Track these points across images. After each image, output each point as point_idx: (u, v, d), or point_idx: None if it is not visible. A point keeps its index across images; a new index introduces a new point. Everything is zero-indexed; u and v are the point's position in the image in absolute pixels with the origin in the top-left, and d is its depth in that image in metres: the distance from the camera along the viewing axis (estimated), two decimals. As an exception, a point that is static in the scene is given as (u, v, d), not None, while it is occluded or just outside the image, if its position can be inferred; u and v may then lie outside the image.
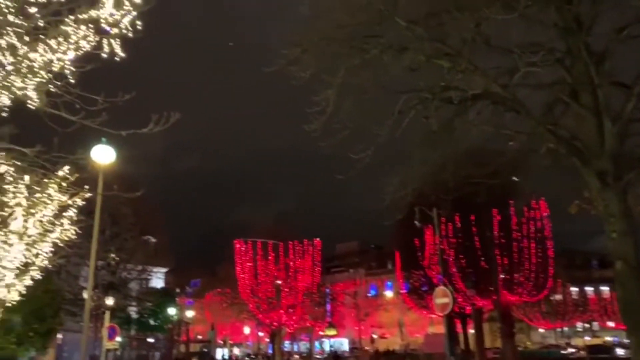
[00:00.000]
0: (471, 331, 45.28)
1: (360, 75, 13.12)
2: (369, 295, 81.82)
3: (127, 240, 42.44)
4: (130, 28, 7.72)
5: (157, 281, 57.44)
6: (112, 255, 41.06)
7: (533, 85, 13.19)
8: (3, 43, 7.15)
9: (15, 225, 17.05)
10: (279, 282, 48.74)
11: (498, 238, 36.58)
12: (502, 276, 36.71)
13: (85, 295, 29.77)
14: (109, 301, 34.15)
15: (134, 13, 7.66)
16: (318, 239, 50.53)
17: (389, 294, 72.89)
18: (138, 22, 7.68)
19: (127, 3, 7.58)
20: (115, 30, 7.65)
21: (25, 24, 7.35)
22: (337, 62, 13.07)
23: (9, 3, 7.12)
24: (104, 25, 7.61)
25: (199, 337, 75.49)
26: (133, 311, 46.88)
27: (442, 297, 22.02)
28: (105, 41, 7.74)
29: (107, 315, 28.60)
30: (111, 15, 7.59)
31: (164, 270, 59.59)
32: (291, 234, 50.60)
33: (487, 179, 14.25)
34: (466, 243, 37.34)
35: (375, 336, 72.25)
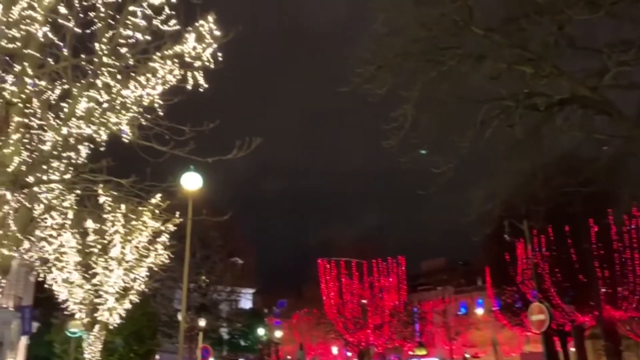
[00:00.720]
0: (572, 349, 42.44)
1: (438, 87, 12.89)
2: (459, 313, 79.11)
3: (216, 262, 43.93)
4: (211, 60, 8.10)
5: (246, 302, 58.86)
6: (203, 277, 42.62)
7: (625, 85, 12.34)
8: (99, 83, 7.72)
9: (115, 252, 18.18)
10: (365, 301, 48.32)
11: (597, 249, 34.25)
12: (603, 290, 34.23)
13: (179, 317, 31.03)
14: (202, 322, 35.38)
15: (215, 45, 8.04)
16: (402, 256, 49.75)
17: (480, 311, 70.16)
18: (219, 54, 8.05)
19: (208, 37, 7.97)
20: (198, 63, 8.06)
21: (118, 64, 7.90)
22: (413, 77, 12.93)
23: (103, 47, 7.70)
24: (187, 59, 8.04)
25: (288, 357, 76.16)
26: (224, 332, 48.24)
27: (537, 314, 20.82)
28: (189, 74, 8.16)
29: (200, 336, 29.57)
30: (194, 49, 8.00)
31: (252, 291, 61.00)
32: (375, 252, 50.17)
33: (580, 187, 13.43)
34: (561, 256, 35.24)
35: (467, 355, 69.58)
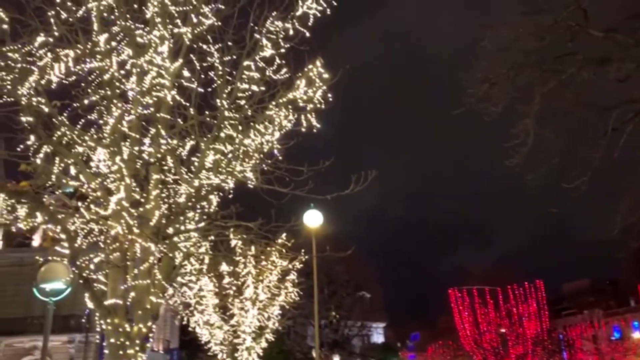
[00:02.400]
0: None
1: (559, 97, 12.13)
2: (613, 338, 71.58)
3: (344, 297, 44.08)
4: (322, 101, 8.39)
5: (378, 336, 58.15)
6: (333, 313, 42.90)
7: None
8: (223, 135, 8.29)
9: (248, 292, 19.02)
10: (504, 330, 45.55)
11: None
12: None
13: (314, 353, 31.40)
14: (336, 358, 35.46)
15: (324, 87, 8.33)
16: (540, 280, 46.47)
17: (637, 335, 63.05)
18: (329, 95, 8.32)
19: (317, 81, 8.29)
20: (310, 106, 8.39)
21: (238, 116, 8.46)
22: (530, 90, 12.31)
23: (224, 102, 8.30)
24: (300, 104, 8.41)
25: (426, 391, 73.54)
26: (359, 367, 47.86)
27: None
28: (302, 117, 8.51)
29: (336, 372, 29.55)
30: (305, 93, 8.35)
31: (383, 325, 60.19)
32: (509, 278, 47.42)
33: None
34: None
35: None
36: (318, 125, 8.54)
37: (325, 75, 8.31)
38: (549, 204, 13.20)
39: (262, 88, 8.52)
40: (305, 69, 8.40)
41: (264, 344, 20.55)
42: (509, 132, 12.51)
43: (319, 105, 8.43)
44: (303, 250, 14.55)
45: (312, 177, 8.22)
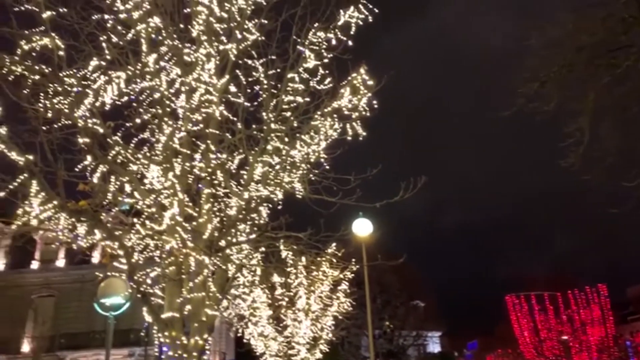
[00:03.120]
0: None
1: (615, 92, 11.64)
2: (686, 345, 67.59)
3: (397, 307, 43.53)
4: (367, 108, 8.37)
5: (434, 345, 57.05)
6: (386, 323, 42.42)
7: None
8: (270, 148, 8.39)
9: (301, 303, 19.08)
10: (565, 337, 43.79)
11: None
12: None
13: (368, 364, 31.07)
14: (392, 369, 34.95)
15: (369, 94, 8.31)
16: (603, 284, 44.48)
17: None
18: (374, 102, 8.29)
19: (362, 88, 8.29)
20: (355, 114, 8.38)
21: (284, 128, 8.55)
22: (583, 86, 11.88)
23: (270, 115, 8.42)
24: (345, 112, 8.42)
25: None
26: (415, 377, 47.07)
27: None
28: (348, 125, 8.50)
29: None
30: (350, 101, 8.35)
31: (438, 333, 59.04)
32: (569, 282, 45.64)
33: None
34: None
35: None
36: (364, 133, 8.52)
37: (370, 82, 8.30)
38: (607, 204, 12.62)
39: (307, 99, 8.59)
40: (349, 77, 8.42)
41: (318, 355, 20.53)
42: (562, 131, 12.12)
43: (364, 113, 8.42)
44: (354, 260, 14.46)
45: (359, 185, 8.20)
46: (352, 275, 19.18)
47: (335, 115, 8.47)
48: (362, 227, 16.41)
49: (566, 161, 11.96)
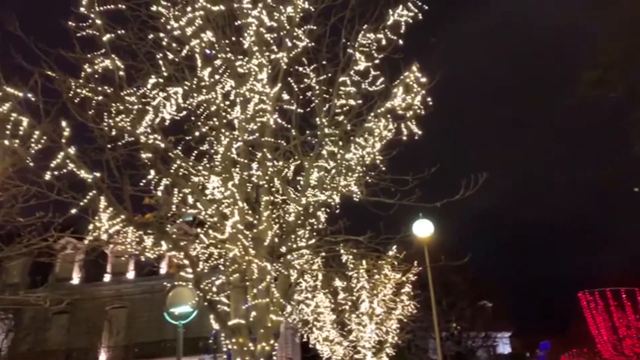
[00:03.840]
0: None
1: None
2: None
3: (464, 308, 42.52)
4: (422, 106, 8.24)
5: (504, 347, 55.30)
6: (453, 324, 41.54)
7: None
8: (325, 152, 8.42)
9: (364, 307, 18.98)
10: (646, 334, 41.34)
11: None
12: None
13: (437, 367, 30.46)
14: (461, 372, 34.16)
15: (423, 92, 8.19)
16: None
17: None
18: (429, 99, 8.16)
19: (415, 86, 8.17)
20: (409, 113, 8.27)
21: (338, 132, 8.56)
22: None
23: (324, 120, 8.45)
24: (399, 112, 8.32)
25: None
26: (486, 380, 45.75)
27: None
28: (402, 125, 8.41)
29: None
30: (403, 100, 8.26)
31: (508, 334, 57.17)
32: (646, 277, 43.08)
33: None
34: None
35: None
36: (419, 132, 8.39)
37: (423, 80, 8.18)
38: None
39: (360, 101, 8.57)
40: (402, 76, 8.33)
41: (384, 359, 20.33)
42: (629, 117, 11.51)
43: (418, 111, 8.30)
44: (416, 262, 14.25)
45: (418, 185, 8.08)
46: (416, 277, 18.89)
47: (389, 116, 8.40)
48: (423, 228, 16.17)
49: (636, 149, 11.36)
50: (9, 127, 6.51)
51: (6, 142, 6.71)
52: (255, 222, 8.28)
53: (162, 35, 8.20)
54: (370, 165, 8.48)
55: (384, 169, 8.37)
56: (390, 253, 16.32)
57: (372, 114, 8.45)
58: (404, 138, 8.44)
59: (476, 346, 44.78)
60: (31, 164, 6.92)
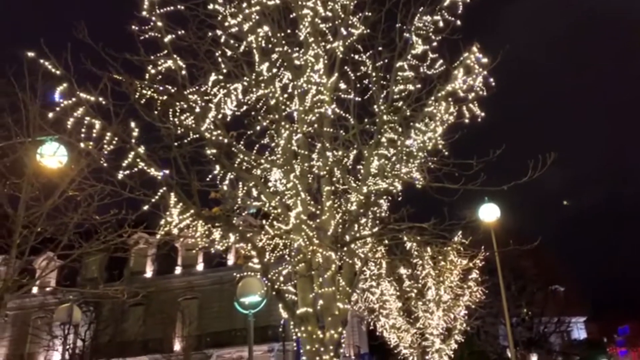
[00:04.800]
0: None
1: None
2: None
3: (534, 292, 41.26)
4: (484, 87, 8.01)
5: (579, 332, 53.30)
6: (524, 310, 40.41)
7: None
8: (384, 140, 8.35)
9: (430, 294, 18.80)
10: None
11: None
12: None
13: (508, 353, 29.82)
14: (534, 358, 33.32)
15: (485, 72, 7.95)
16: None
17: None
18: (491, 79, 7.92)
19: (476, 67, 7.95)
20: (471, 95, 8.06)
21: (397, 118, 8.46)
22: None
23: (382, 106, 8.38)
24: (460, 94, 8.13)
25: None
26: (561, 367, 44.28)
27: None
28: (464, 107, 8.21)
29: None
30: (464, 82, 8.05)
31: (582, 319, 55.00)
32: None
33: None
34: None
35: None
36: (482, 114, 8.17)
37: (484, 60, 7.94)
38: None
39: (418, 86, 8.43)
40: (462, 58, 8.12)
41: (453, 346, 20.09)
42: None
43: (480, 93, 8.07)
44: (483, 247, 13.91)
45: (483, 169, 7.87)
46: (483, 262, 18.50)
47: (450, 99, 8.22)
48: (489, 212, 15.76)
49: None
50: (83, 130, 6.87)
51: (81, 144, 7.09)
52: (318, 212, 8.36)
53: (220, 32, 8.38)
54: (432, 151, 8.33)
55: (446, 153, 8.20)
56: (456, 239, 16.06)
57: (432, 98, 8.29)
58: (466, 121, 8.24)
59: (549, 331, 43.36)
60: (105, 164, 7.29)
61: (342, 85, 8.63)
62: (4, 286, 10.51)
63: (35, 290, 33.27)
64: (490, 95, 8.24)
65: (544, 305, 41.95)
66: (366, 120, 8.84)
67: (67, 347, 29.65)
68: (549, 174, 7.88)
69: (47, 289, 32.53)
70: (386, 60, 8.69)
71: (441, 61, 8.33)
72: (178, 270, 38.75)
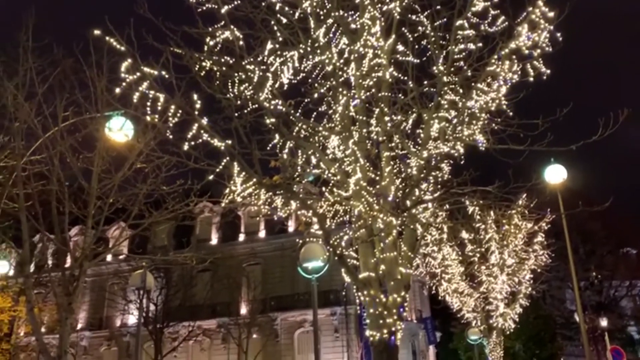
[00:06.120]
0: None
1: None
2: None
3: (604, 255, 39.81)
4: (549, 43, 7.62)
5: (653, 296, 51.08)
6: (593, 274, 39.14)
7: None
8: (444, 102, 8.15)
9: (494, 258, 18.51)
10: None
11: None
12: None
13: (576, 318, 29.10)
14: (603, 322, 32.35)
15: (551, 27, 7.55)
16: None
17: None
18: (557, 34, 7.51)
19: (541, 22, 7.56)
20: (536, 52, 7.69)
21: (457, 79, 8.22)
22: None
23: (441, 67, 8.15)
24: (525, 51, 7.77)
25: None
26: (633, 331, 42.80)
27: None
28: (529, 65, 7.86)
29: (607, 337, 26.99)
30: (528, 39, 7.68)
31: (657, 283, 52.64)
32: None
33: None
34: None
35: None
36: (548, 71, 7.80)
37: (551, 14, 7.52)
38: None
39: (479, 44, 8.12)
40: (526, 13, 7.72)
41: (518, 310, 19.83)
42: None
43: (547, 49, 7.68)
44: (549, 210, 13.47)
45: (549, 129, 7.56)
46: (549, 226, 17.98)
47: (513, 57, 7.87)
48: (555, 174, 15.17)
49: None
50: (148, 104, 7.10)
51: (147, 118, 7.35)
52: (377, 178, 8.34)
53: (274, 0, 8.35)
54: (496, 112, 8.06)
55: (510, 114, 7.91)
56: (520, 202, 15.64)
57: (495, 56, 7.97)
58: (531, 79, 7.89)
59: (619, 295, 41.88)
60: (170, 137, 7.54)
61: (400, 48, 8.45)
62: (82, 254, 11.21)
63: (109, 258, 35.31)
64: (557, 51, 7.84)
65: (615, 269, 40.44)
66: (425, 82, 8.64)
67: (142, 310, 31.45)
68: (623, 132, 7.48)
69: (121, 257, 34.44)
70: (445, 20, 8.41)
71: (503, 17, 7.96)
72: (242, 237, 39.93)
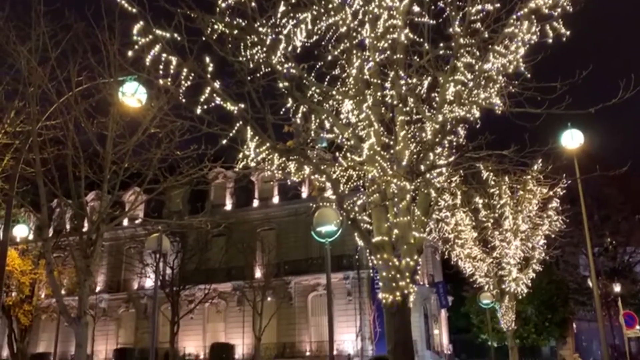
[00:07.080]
0: None
1: None
2: None
3: (619, 222, 39.59)
4: (570, 2, 7.38)
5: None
6: (607, 239, 39.00)
7: None
8: (461, 65, 7.98)
9: (508, 223, 18.45)
10: None
11: None
12: None
13: (589, 283, 29.15)
14: (617, 288, 32.41)
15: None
16: None
17: None
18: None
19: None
20: (556, 12, 7.46)
21: (474, 41, 8.02)
22: None
23: (458, 29, 7.95)
24: (544, 11, 7.54)
25: None
26: (647, 297, 42.84)
27: None
28: (548, 26, 7.64)
29: (619, 302, 27.07)
30: (549, -3, 7.45)
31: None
32: None
33: None
34: None
35: None
36: (567, 32, 7.57)
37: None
38: None
39: (497, 5, 7.88)
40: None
41: (531, 275, 19.87)
42: None
43: (568, 8, 7.44)
44: (565, 175, 13.29)
45: (568, 91, 7.39)
46: (564, 191, 17.80)
47: (532, 17, 7.64)
48: (572, 139, 14.96)
49: None
50: (160, 67, 7.05)
51: (160, 81, 7.31)
52: (391, 142, 8.27)
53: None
54: (513, 74, 7.87)
55: (528, 76, 7.73)
56: (535, 167, 15.47)
57: (513, 17, 7.74)
58: (550, 41, 7.68)
59: (634, 261, 41.81)
60: (183, 100, 7.51)
61: (416, 8, 8.22)
62: (99, 218, 11.39)
63: (125, 222, 35.87)
64: (578, 11, 7.59)
65: (630, 235, 40.27)
66: (441, 44, 8.44)
67: (159, 273, 32.09)
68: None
69: (137, 221, 34.96)
70: (463, -22, 8.15)
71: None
72: (255, 202, 40.26)
